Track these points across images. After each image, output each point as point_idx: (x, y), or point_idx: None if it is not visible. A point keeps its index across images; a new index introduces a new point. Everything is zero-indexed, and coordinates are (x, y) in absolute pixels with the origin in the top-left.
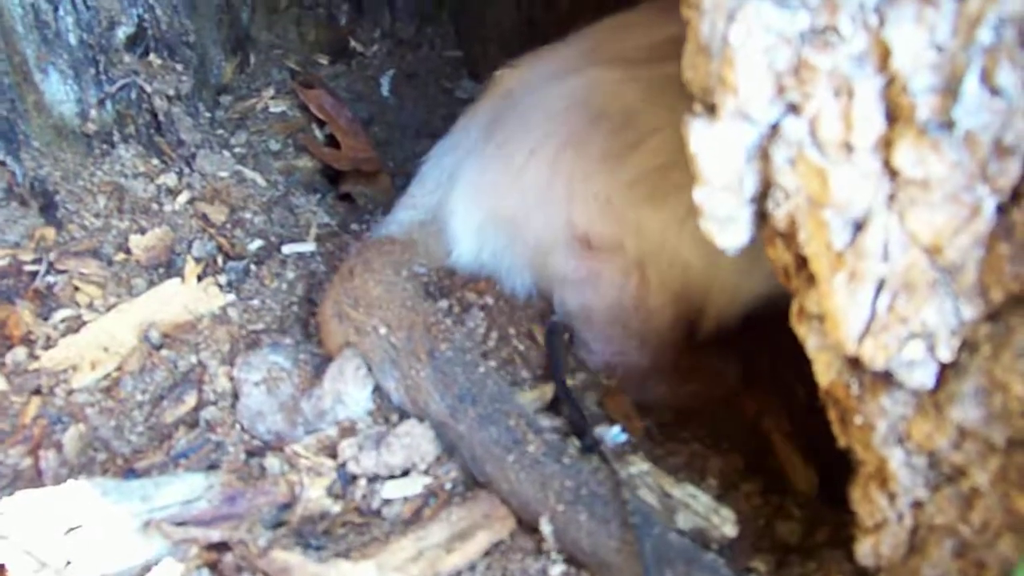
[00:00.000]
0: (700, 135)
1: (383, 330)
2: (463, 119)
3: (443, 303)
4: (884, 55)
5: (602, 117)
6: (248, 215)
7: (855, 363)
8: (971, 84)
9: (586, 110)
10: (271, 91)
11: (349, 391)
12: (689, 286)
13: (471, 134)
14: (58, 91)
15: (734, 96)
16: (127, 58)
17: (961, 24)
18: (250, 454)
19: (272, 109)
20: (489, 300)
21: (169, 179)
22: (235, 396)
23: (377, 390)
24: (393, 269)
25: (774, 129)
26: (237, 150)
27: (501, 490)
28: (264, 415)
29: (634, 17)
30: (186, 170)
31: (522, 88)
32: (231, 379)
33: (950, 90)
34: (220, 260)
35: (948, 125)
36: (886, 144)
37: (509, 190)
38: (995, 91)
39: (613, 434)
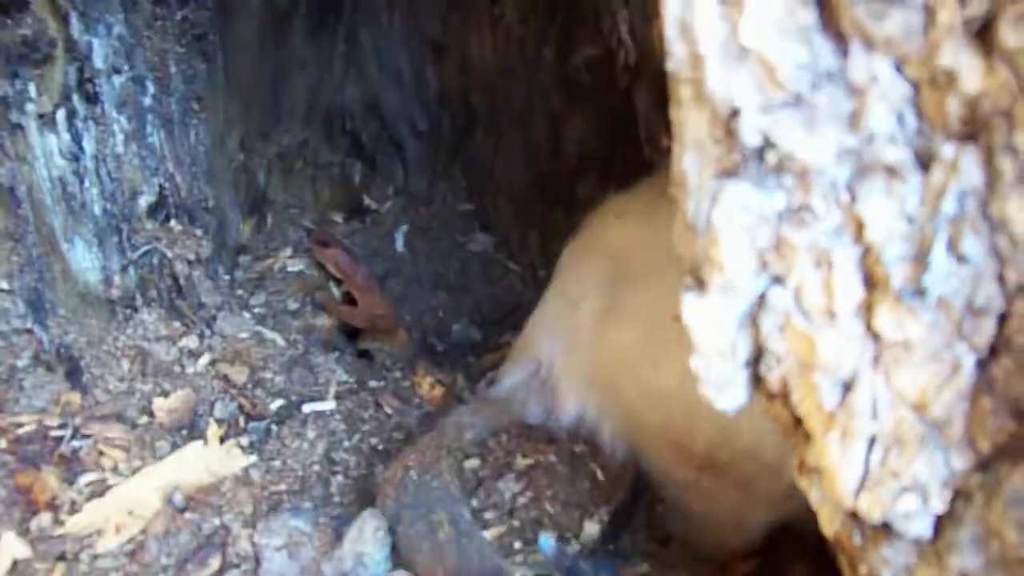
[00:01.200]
0: (692, 307)
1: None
2: (570, 255)
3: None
4: (859, 227)
5: None
6: (268, 375)
7: (855, 515)
8: (939, 253)
9: None
10: (288, 251)
11: (369, 552)
12: None
13: (585, 284)
14: (83, 259)
15: (720, 272)
16: (149, 225)
17: (927, 195)
18: None
19: (290, 268)
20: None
21: (191, 341)
22: (257, 560)
23: (395, 550)
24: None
25: (761, 299)
26: (256, 310)
27: None
28: None
29: None
30: (207, 332)
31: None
32: (253, 544)
33: (920, 260)
34: (242, 421)
35: (920, 292)
36: (867, 308)
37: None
38: (961, 258)
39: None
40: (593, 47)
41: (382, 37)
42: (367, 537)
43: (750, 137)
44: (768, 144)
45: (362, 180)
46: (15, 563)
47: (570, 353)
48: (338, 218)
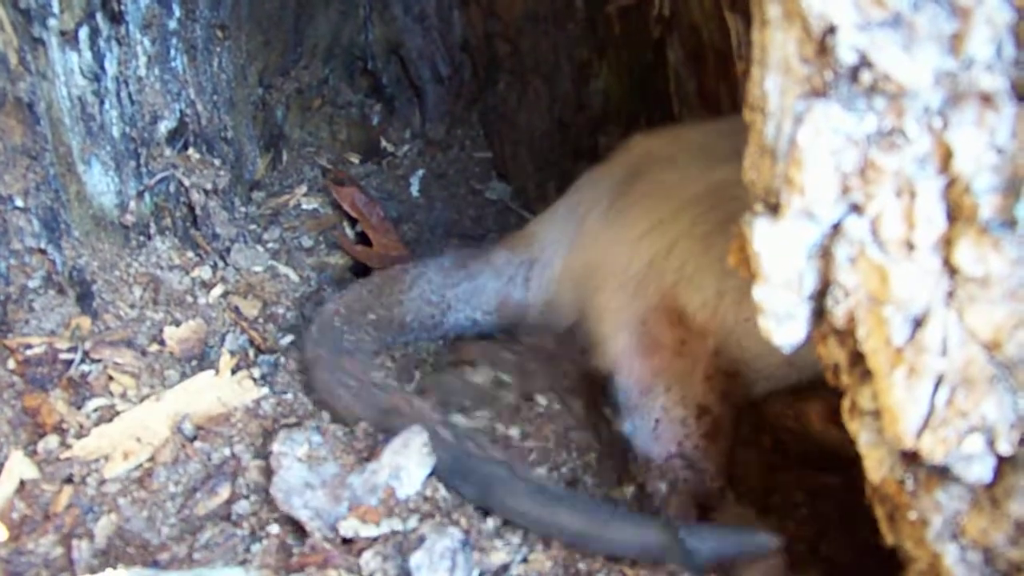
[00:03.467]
0: (763, 234)
1: None
2: (591, 172)
3: None
4: (946, 156)
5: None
6: (280, 310)
7: (911, 458)
8: None
9: (718, 207)
10: (303, 188)
11: (410, 467)
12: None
13: (601, 187)
14: (99, 182)
15: (800, 196)
16: (167, 152)
17: (1020, 127)
18: (285, 549)
19: (304, 206)
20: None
21: (204, 272)
22: (270, 473)
23: (433, 475)
24: None
25: (836, 228)
26: (270, 245)
27: None
28: (303, 490)
29: None
30: (220, 264)
31: (660, 153)
32: (267, 460)
33: (1012, 189)
34: (252, 354)
35: (1011, 223)
36: (946, 243)
37: (618, 246)
38: None
39: None
40: None
41: None
42: (412, 451)
43: (846, 55)
44: (863, 63)
45: (380, 122)
46: (23, 483)
47: (572, 251)
48: (354, 159)
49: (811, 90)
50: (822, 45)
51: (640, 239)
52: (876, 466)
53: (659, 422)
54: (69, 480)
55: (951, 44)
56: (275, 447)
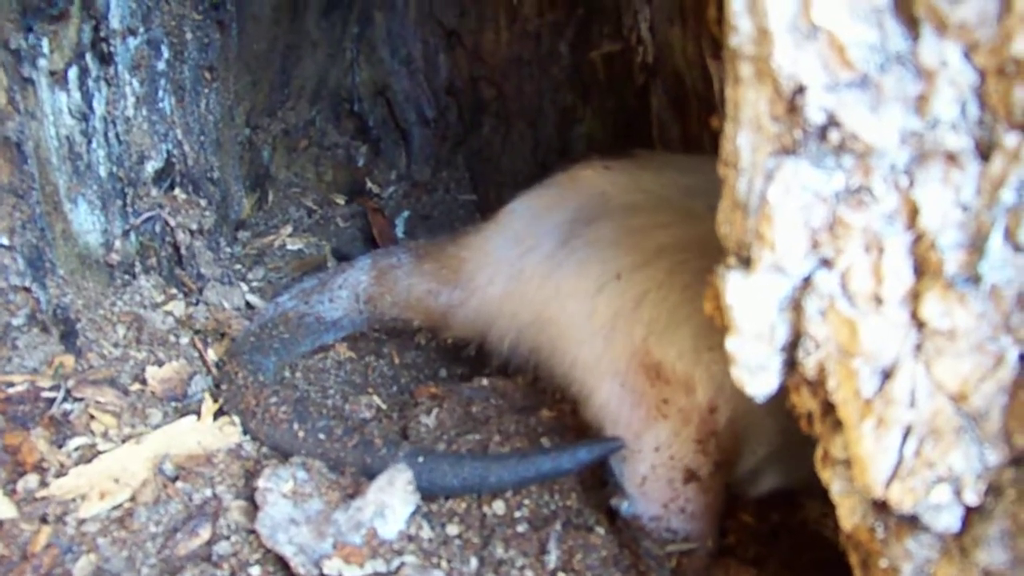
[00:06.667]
0: (736, 287)
1: None
2: (533, 201)
3: None
4: (913, 213)
5: (698, 258)
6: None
7: (881, 507)
8: (996, 241)
9: (683, 248)
10: (289, 228)
11: (394, 505)
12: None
13: (545, 224)
14: (85, 221)
15: (771, 251)
16: (153, 192)
17: (984, 185)
18: None
19: (289, 246)
20: None
21: (187, 311)
22: (253, 511)
23: (417, 512)
24: None
25: (807, 282)
26: (254, 284)
27: None
28: (288, 526)
29: None
30: (203, 303)
31: (616, 198)
32: (251, 498)
33: (975, 247)
34: None
35: (975, 279)
36: (914, 296)
37: (575, 299)
38: (1019, 248)
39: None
40: (611, 43)
41: (396, 22)
42: (397, 488)
43: (814, 115)
44: (832, 123)
45: (366, 163)
46: (1, 523)
47: (512, 293)
48: (340, 200)
49: (781, 148)
50: (792, 104)
51: (600, 290)
52: (848, 514)
53: (646, 479)
54: (45, 520)
55: (917, 105)
56: (260, 483)
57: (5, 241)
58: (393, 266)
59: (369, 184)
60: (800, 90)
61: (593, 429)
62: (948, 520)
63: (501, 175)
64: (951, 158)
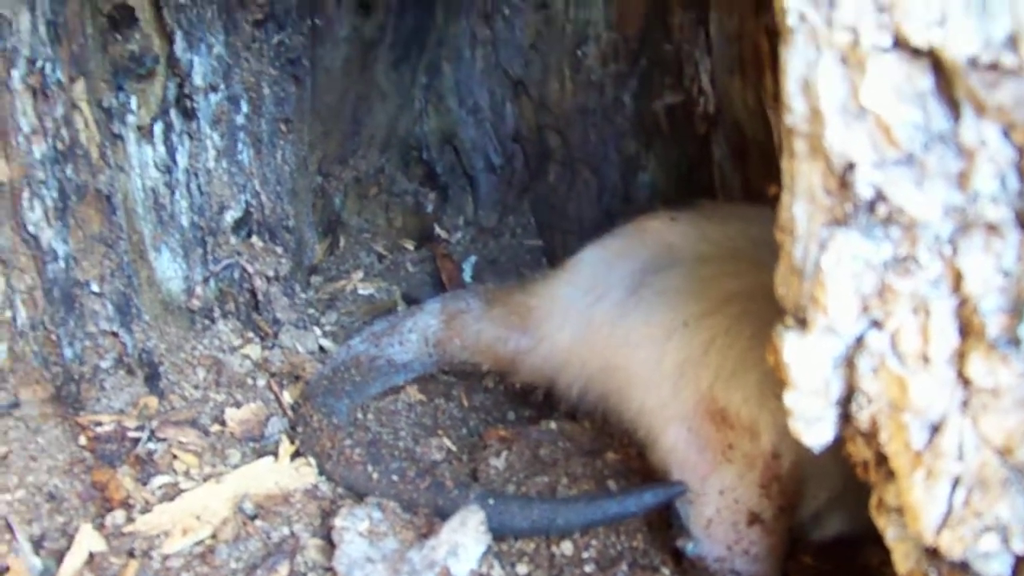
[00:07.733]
0: (792, 346)
1: None
2: (602, 251)
3: None
4: (957, 279)
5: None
6: None
7: (933, 553)
8: None
9: (749, 297)
10: (360, 274)
11: (467, 544)
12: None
13: (615, 273)
14: (168, 268)
15: (824, 314)
16: (232, 240)
17: None
18: None
19: (360, 291)
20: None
21: (263, 355)
22: (329, 550)
23: (488, 553)
24: None
25: (859, 341)
26: (327, 328)
27: None
28: (364, 564)
29: None
30: (279, 347)
31: (683, 249)
32: (328, 537)
33: (1016, 311)
34: None
35: (1015, 342)
36: (960, 356)
37: (644, 346)
38: None
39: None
40: (674, 94)
41: (464, 72)
42: (469, 528)
43: (863, 190)
44: (880, 197)
45: (434, 210)
46: (91, 556)
47: (581, 340)
48: (409, 245)
49: (833, 219)
50: (843, 180)
51: (669, 337)
52: (903, 559)
53: (711, 522)
54: (132, 554)
55: (959, 180)
56: (337, 522)
57: (96, 288)
58: (462, 311)
59: (437, 230)
60: (850, 167)
61: (659, 472)
62: (998, 567)
63: (566, 221)
64: (992, 228)
